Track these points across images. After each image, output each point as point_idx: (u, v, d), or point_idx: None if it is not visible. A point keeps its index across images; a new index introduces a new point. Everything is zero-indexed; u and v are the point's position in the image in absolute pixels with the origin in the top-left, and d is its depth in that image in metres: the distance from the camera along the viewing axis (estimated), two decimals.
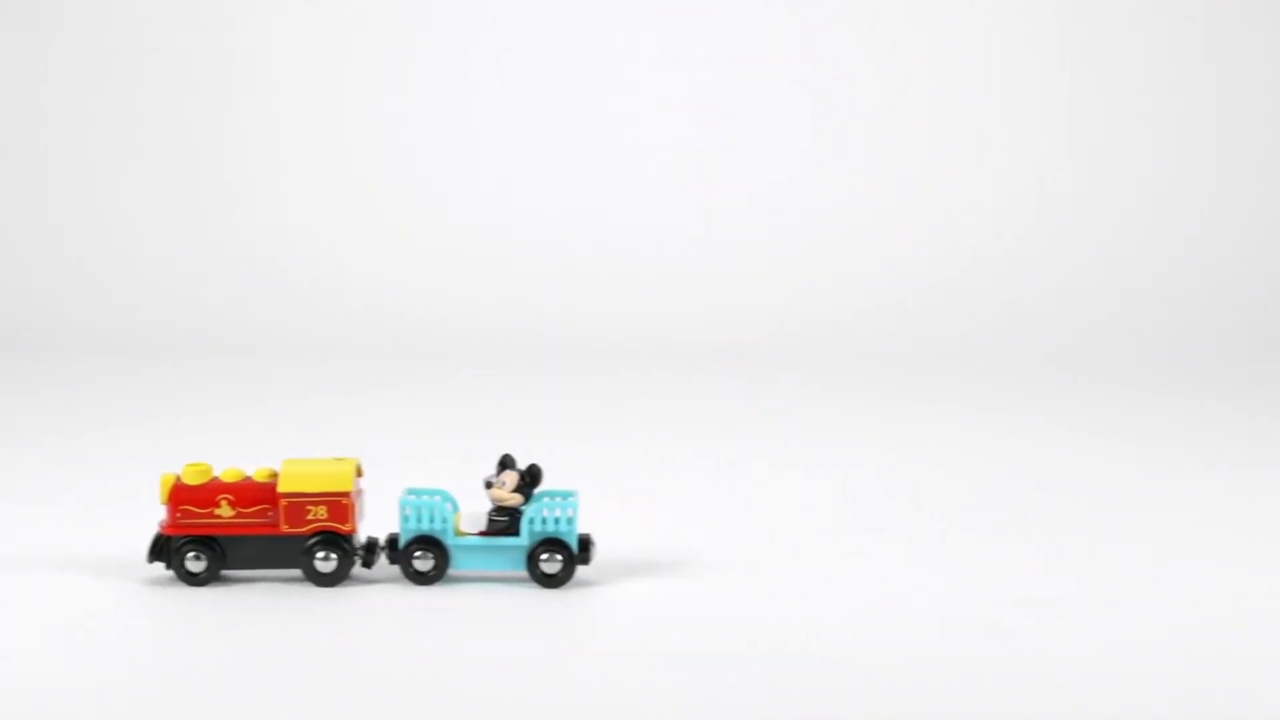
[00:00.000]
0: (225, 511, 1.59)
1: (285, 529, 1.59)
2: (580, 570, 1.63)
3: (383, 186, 3.47)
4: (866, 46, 3.54)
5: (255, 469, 1.65)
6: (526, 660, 1.41)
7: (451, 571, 1.60)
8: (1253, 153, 3.51)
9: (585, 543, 1.61)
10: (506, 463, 1.61)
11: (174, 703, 1.31)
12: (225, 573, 1.61)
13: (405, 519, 1.60)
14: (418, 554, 1.59)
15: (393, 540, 1.61)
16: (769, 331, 3.24)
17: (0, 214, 3.48)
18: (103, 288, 3.33)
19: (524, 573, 1.60)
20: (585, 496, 1.75)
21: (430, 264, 3.37)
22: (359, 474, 1.64)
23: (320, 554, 1.58)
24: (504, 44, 3.53)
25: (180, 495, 1.59)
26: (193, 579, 1.59)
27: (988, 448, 2.27)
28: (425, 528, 1.60)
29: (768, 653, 1.43)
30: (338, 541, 1.59)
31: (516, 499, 1.60)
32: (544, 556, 1.58)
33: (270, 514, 1.59)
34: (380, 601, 1.56)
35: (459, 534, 1.60)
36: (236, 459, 1.96)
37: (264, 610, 1.53)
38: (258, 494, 1.60)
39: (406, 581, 1.60)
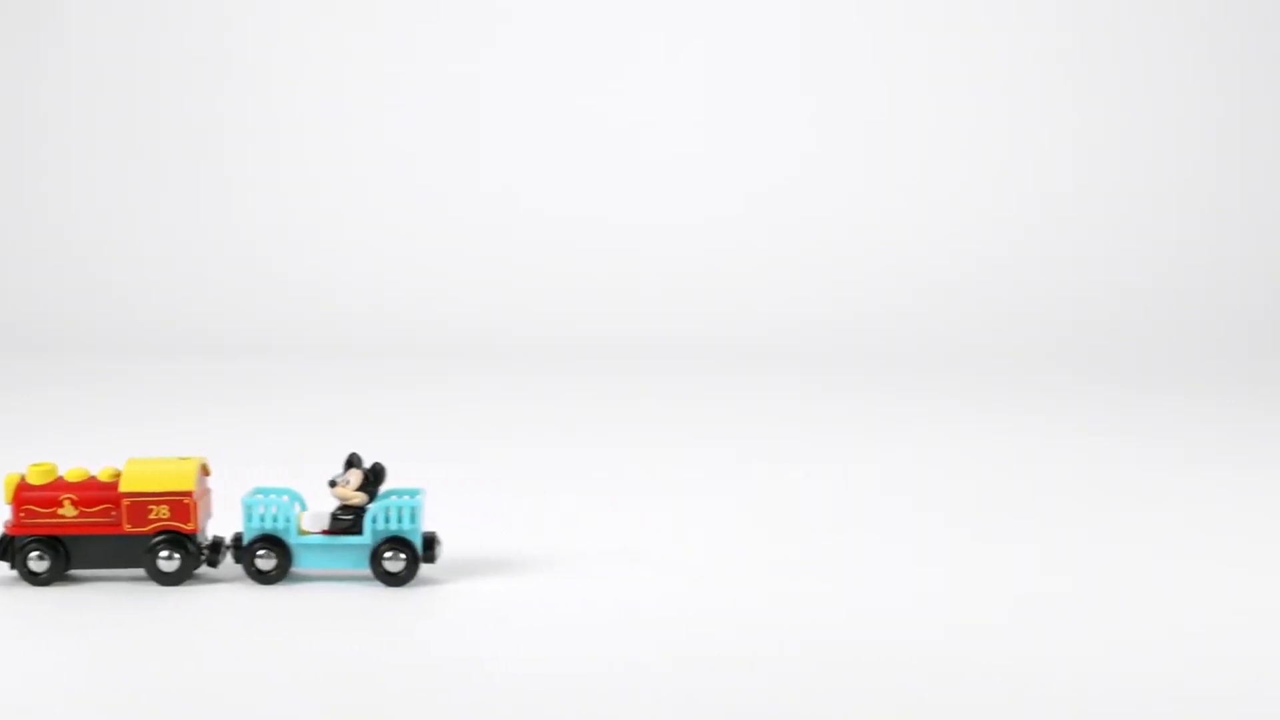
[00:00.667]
0: (69, 511, 1.59)
1: (128, 528, 1.59)
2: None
3: (383, 187, 3.47)
4: (867, 47, 3.54)
5: (100, 468, 1.65)
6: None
7: (296, 570, 1.61)
8: (1252, 153, 3.51)
9: (430, 541, 1.61)
10: (352, 461, 1.62)
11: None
12: (70, 572, 1.62)
13: (248, 518, 1.61)
14: (260, 553, 1.60)
15: (238, 539, 1.61)
16: (769, 331, 3.24)
17: (0, 214, 3.48)
18: (103, 288, 3.33)
19: (368, 571, 1.61)
20: (567, 496, 1.75)
21: (430, 264, 3.37)
22: (205, 473, 1.65)
23: (163, 553, 1.59)
24: (504, 44, 3.53)
25: (24, 495, 1.60)
26: (36, 579, 1.59)
27: (988, 448, 2.27)
28: (268, 527, 1.60)
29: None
30: (181, 541, 1.59)
31: (361, 498, 1.61)
32: (387, 555, 1.59)
33: (113, 513, 1.59)
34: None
35: (302, 533, 1.61)
36: (236, 459, 1.97)
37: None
38: (101, 494, 1.60)
39: (251, 581, 1.61)
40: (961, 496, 1.99)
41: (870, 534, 1.82)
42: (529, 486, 2.03)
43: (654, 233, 3.41)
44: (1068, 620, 1.52)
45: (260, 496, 1.61)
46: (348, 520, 1.61)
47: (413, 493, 1.64)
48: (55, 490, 1.60)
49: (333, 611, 1.53)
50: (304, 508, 1.63)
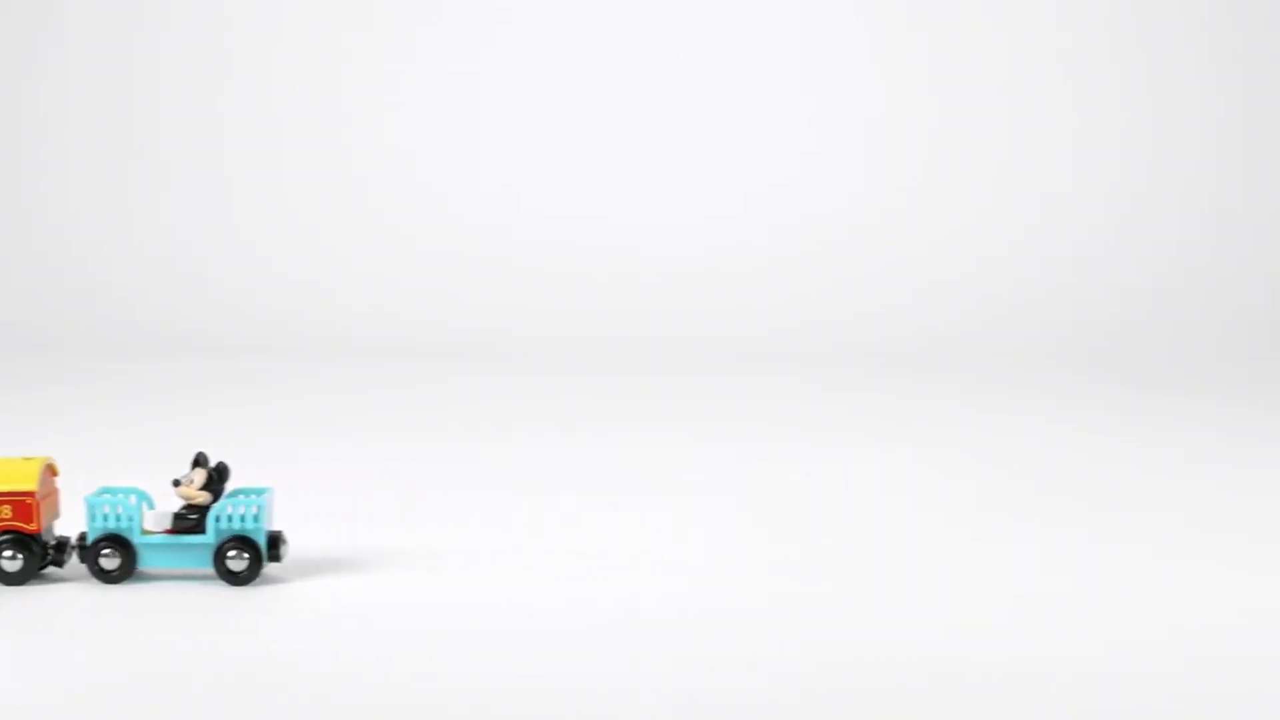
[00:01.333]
0: None
1: None
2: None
3: (383, 187, 3.47)
4: (867, 47, 3.53)
5: None
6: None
7: (142, 570, 1.62)
8: (1252, 153, 3.51)
9: (275, 540, 1.62)
10: (199, 461, 1.63)
11: None
12: None
13: (92, 517, 1.61)
14: (105, 552, 1.60)
15: (83, 539, 1.61)
16: (769, 331, 3.24)
17: (0, 214, 3.48)
18: (103, 288, 3.32)
19: (211, 570, 1.61)
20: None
21: (430, 264, 3.37)
22: (53, 473, 1.65)
23: (7, 553, 1.58)
24: (504, 44, 3.53)
25: None
26: None
27: (987, 448, 2.27)
28: (112, 526, 1.61)
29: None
30: (24, 541, 1.59)
31: (204, 496, 1.61)
32: (230, 554, 1.60)
33: None
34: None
35: (146, 532, 1.61)
36: (237, 460, 1.97)
37: None
38: None
39: (95, 580, 1.61)
40: (961, 496, 1.99)
41: (870, 534, 1.82)
42: (529, 486, 2.03)
43: (654, 233, 3.41)
44: (1067, 620, 1.52)
45: (105, 496, 1.62)
46: (192, 520, 1.61)
47: (259, 491, 1.64)
48: None
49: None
50: (152, 507, 1.65)
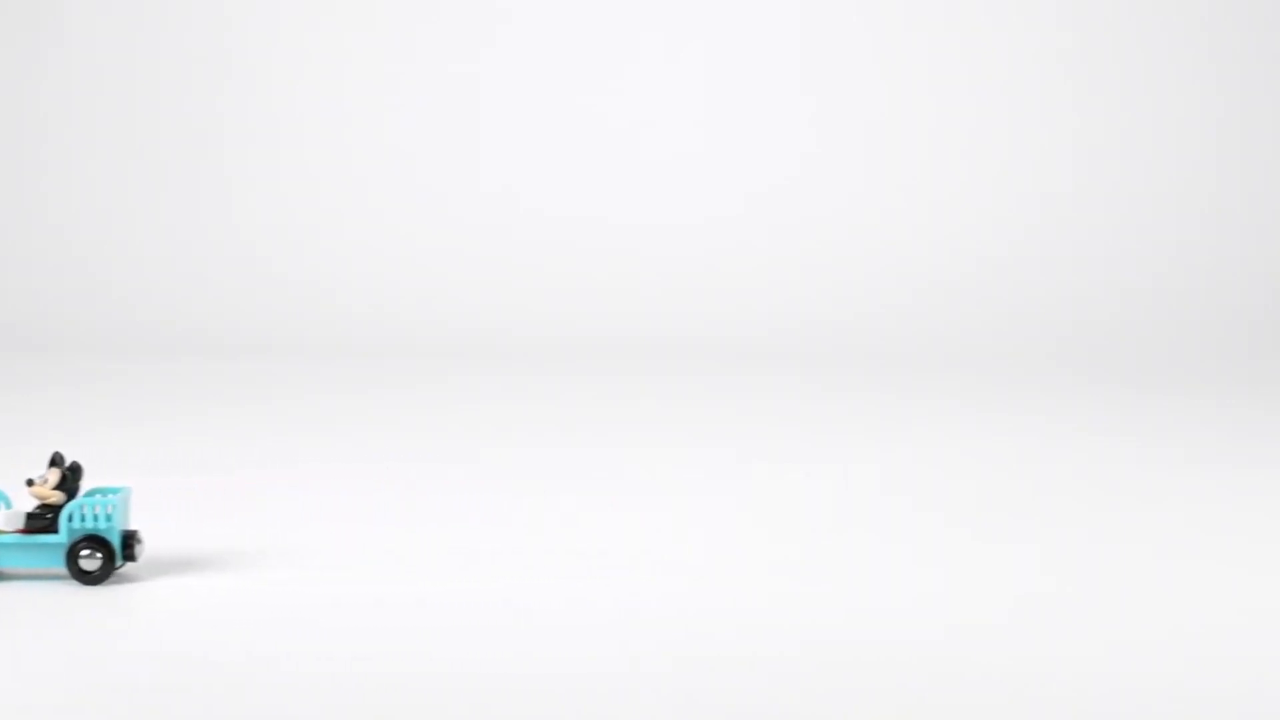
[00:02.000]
0: None
1: None
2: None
3: (383, 187, 3.47)
4: (867, 47, 3.54)
5: None
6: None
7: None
8: (1252, 153, 3.51)
9: (129, 540, 1.62)
10: (54, 460, 1.63)
11: None
12: None
13: None
14: None
15: None
16: (769, 331, 3.24)
17: (0, 214, 3.48)
18: (103, 288, 3.32)
19: (64, 569, 1.62)
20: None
21: (430, 264, 3.37)
22: None
23: None
24: (504, 44, 3.53)
25: None
26: None
27: (988, 447, 2.27)
28: None
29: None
30: None
31: (58, 496, 1.62)
32: (83, 553, 1.60)
33: None
34: None
35: None
36: (235, 459, 1.97)
37: None
38: None
39: None
40: (961, 496, 1.99)
41: (870, 534, 1.82)
42: (528, 486, 2.03)
43: (654, 233, 3.42)
44: (1067, 620, 1.52)
45: None
46: (45, 519, 1.62)
47: (114, 491, 1.65)
48: None
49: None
50: (9, 506, 1.65)
